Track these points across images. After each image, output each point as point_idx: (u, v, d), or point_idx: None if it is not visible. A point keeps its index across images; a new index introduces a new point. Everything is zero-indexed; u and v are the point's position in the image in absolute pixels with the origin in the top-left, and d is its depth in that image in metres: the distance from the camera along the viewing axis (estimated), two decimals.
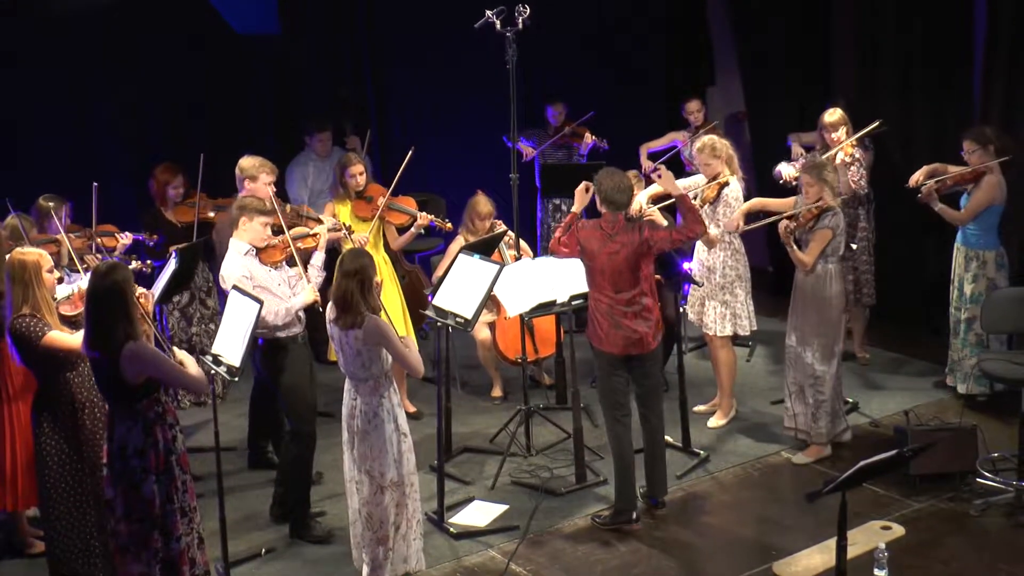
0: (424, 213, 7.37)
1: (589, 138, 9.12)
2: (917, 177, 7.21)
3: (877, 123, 7.53)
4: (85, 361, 5.30)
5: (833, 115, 7.62)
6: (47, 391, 5.34)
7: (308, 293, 6.00)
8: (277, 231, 6.16)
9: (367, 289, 5.26)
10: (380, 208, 7.25)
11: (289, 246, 6.14)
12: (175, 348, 5.12)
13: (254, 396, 6.76)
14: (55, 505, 5.33)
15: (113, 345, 4.71)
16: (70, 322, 5.40)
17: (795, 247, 6.48)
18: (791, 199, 6.80)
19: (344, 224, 6.90)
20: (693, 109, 9.07)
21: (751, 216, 6.94)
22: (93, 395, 5.33)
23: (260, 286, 5.88)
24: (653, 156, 9.10)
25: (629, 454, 6.01)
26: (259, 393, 6.70)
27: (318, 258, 6.23)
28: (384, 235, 7.49)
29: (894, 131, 8.07)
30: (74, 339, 5.19)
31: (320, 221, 6.88)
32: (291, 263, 6.19)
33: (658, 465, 6.14)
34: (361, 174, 7.33)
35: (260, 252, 6.04)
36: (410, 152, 7.23)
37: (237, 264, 5.94)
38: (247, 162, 6.73)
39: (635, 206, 7.11)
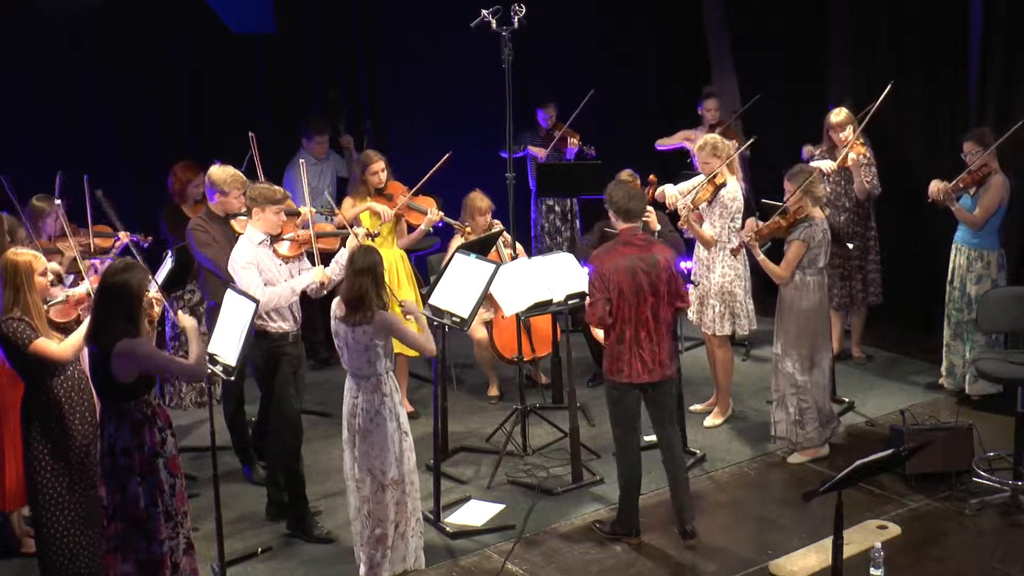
0: (435, 211, 7.37)
1: (575, 142, 9.12)
2: (938, 185, 7.11)
3: (888, 88, 7.43)
4: (73, 365, 5.27)
5: (839, 115, 7.60)
6: (35, 395, 5.25)
7: (316, 273, 5.94)
8: (303, 225, 6.13)
9: (380, 285, 5.32)
10: (399, 206, 7.27)
11: (308, 243, 6.09)
12: (180, 313, 5.08)
13: (229, 410, 6.72)
14: (46, 509, 5.26)
15: (109, 341, 4.71)
16: (60, 328, 5.32)
17: (764, 257, 6.45)
18: None
19: (371, 231, 6.83)
20: (711, 107, 9.06)
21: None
22: (83, 397, 5.29)
23: (265, 280, 5.88)
24: (663, 154, 9.13)
25: (636, 477, 5.90)
26: (235, 406, 6.71)
27: (342, 255, 6.06)
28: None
29: (891, 132, 8.07)
30: (60, 349, 5.10)
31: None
32: (310, 259, 6.15)
33: (681, 490, 5.91)
34: (383, 171, 7.33)
35: (276, 243, 6.01)
36: (445, 156, 7.18)
37: (247, 252, 5.91)
38: (219, 175, 6.49)
39: (652, 219, 7.05)
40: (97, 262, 6.21)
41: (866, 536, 5.72)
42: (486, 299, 6.06)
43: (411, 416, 7.42)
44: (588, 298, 5.81)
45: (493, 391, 7.95)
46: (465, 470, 6.81)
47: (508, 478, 6.65)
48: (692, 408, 7.38)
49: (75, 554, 5.28)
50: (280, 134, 8.95)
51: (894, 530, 5.87)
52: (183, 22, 8.70)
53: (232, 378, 5.43)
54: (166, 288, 6.55)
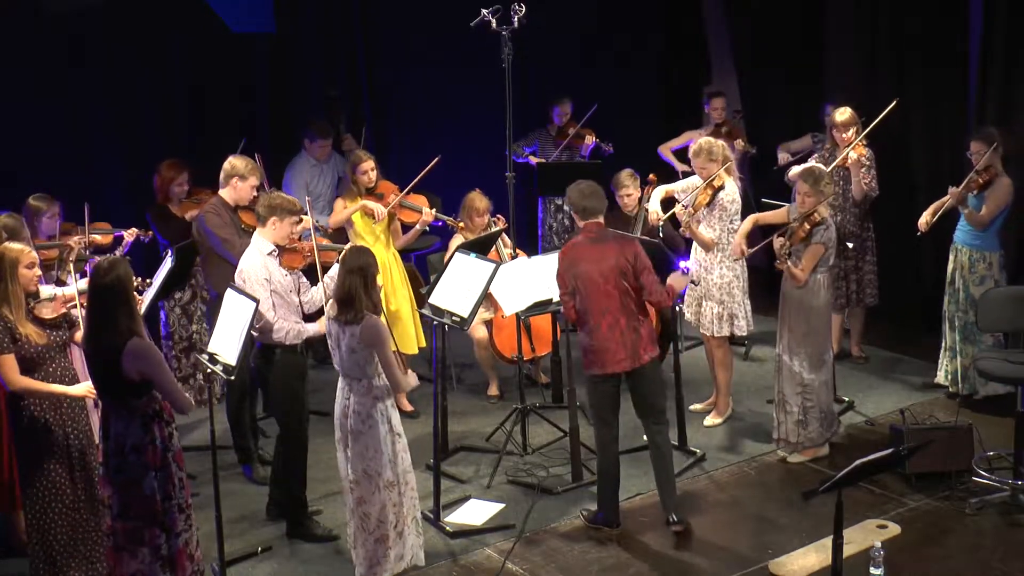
0: (428, 210, 7.37)
1: (591, 139, 9.11)
2: (926, 219, 7.13)
3: (893, 104, 7.44)
4: (50, 363, 5.27)
5: (844, 114, 7.58)
6: (15, 395, 5.28)
7: (323, 324, 5.95)
8: (303, 234, 6.16)
9: (370, 286, 5.29)
10: (392, 204, 7.27)
11: (312, 254, 6.09)
12: None
13: (232, 407, 6.73)
14: (31, 503, 5.30)
15: (117, 341, 4.72)
16: (46, 324, 5.31)
17: (789, 264, 6.46)
18: (783, 209, 6.77)
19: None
20: (718, 106, 9.02)
21: (751, 236, 6.88)
22: (62, 396, 5.30)
23: (275, 291, 5.88)
24: (676, 153, 9.11)
25: (614, 469, 5.94)
26: (237, 404, 6.71)
27: (336, 269, 6.09)
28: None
29: (891, 131, 8.06)
30: (15, 380, 5.11)
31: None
32: (310, 270, 6.14)
33: (663, 479, 5.95)
34: (372, 170, 7.34)
35: (281, 254, 6.01)
36: (434, 161, 7.25)
37: (259, 263, 5.89)
38: (240, 162, 6.70)
39: (652, 216, 7.11)
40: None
41: (866, 536, 5.72)
42: (486, 298, 6.06)
43: (411, 416, 7.46)
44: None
45: (493, 391, 7.95)
46: (465, 470, 6.81)
47: (508, 477, 6.65)
48: (692, 408, 7.38)
49: (63, 547, 5.29)
50: (280, 134, 8.96)
51: (894, 530, 5.87)
52: (183, 22, 8.70)
53: (232, 378, 5.44)
54: (166, 288, 6.58)
